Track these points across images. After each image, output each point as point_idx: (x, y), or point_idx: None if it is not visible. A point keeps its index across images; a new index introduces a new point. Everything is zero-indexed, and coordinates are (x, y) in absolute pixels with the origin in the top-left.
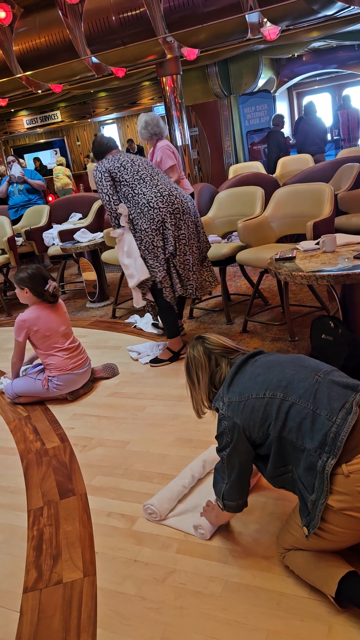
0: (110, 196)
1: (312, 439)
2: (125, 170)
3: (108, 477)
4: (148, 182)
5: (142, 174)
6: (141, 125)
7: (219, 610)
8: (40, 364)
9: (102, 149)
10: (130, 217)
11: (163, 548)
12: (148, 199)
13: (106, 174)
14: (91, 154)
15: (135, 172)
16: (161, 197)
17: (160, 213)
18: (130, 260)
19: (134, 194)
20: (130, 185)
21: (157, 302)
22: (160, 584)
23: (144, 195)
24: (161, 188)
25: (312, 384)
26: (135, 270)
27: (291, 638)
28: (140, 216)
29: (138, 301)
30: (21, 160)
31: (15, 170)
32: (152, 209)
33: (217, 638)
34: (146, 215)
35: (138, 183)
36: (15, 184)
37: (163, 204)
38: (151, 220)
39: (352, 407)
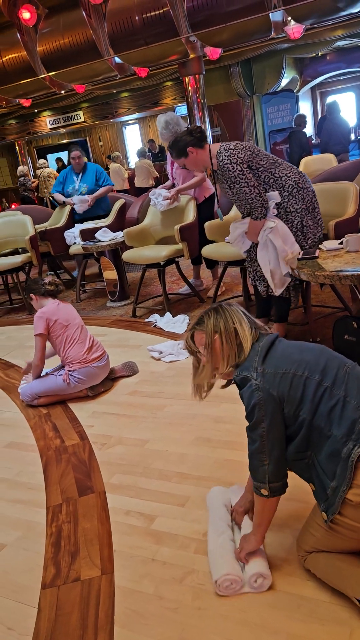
0: (256, 187)
1: (339, 426)
2: (258, 156)
3: (127, 475)
4: (284, 165)
5: (273, 158)
6: (161, 126)
7: (238, 611)
8: (59, 365)
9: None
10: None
11: (181, 548)
12: (295, 180)
13: (244, 166)
14: (113, 154)
15: (266, 157)
16: (304, 177)
17: (309, 192)
18: (286, 248)
19: (275, 178)
20: (269, 171)
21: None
22: (179, 583)
23: (288, 177)
24: (296, 169)
25: (343, 373)
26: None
27: None
28: (288, 198)
29: (283, 284)
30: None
31: (80, 207)
32: (302, 190)
33: None
34: (296, 197)
35: (275, 167)
36: (77, 188)
37: (308, 184)
38: (302, 200)
39: None
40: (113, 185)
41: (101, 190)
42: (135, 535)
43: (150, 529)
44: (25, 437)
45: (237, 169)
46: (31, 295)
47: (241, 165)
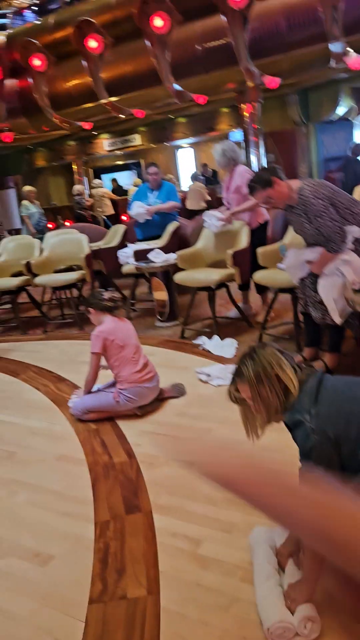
0: (338, 222)
1: None
2: (339, 194)
3: (173, 496)
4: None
5: (350, 196)
6: (218, 154)
7: None
8: (111, 381)
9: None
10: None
11: (228, 574)
12: None
13: (327, 201)
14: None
15: (344, 194)
16: None
17: None
18: (357, 279)
19: (353, 214)
20: (347, 207)
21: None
22: (224, 611)
23: None
24: None
25: None
26: None
27: None
28: None
29: (344, 312)
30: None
31: (136, 211)
32: None
33: None
34: None
35: (353, 204)
36: (151, 204)
37: None
38: None
39: None
40: (179, 202)
41: (165, 205)
42: (181, 558)
43: (196, 553)
44: (75, 450)
45: (320, 204)
46: (89, 308)
47: (324, 200)
